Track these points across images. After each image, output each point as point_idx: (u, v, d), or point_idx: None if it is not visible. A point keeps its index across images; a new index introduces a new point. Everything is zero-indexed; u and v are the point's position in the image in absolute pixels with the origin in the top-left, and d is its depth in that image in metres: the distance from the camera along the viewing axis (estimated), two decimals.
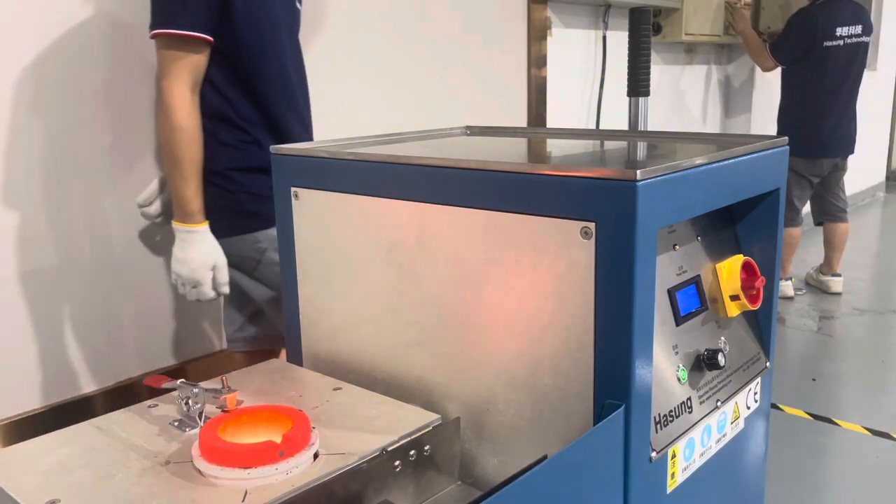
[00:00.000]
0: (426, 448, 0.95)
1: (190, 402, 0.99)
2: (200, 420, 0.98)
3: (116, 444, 0.96)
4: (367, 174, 1.14)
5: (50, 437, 0.98)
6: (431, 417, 1.01)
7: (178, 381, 1.02)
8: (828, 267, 4.01)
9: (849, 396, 2.85)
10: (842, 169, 3.87)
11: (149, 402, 1.07)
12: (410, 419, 1.01)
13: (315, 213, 1.22)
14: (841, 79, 3.70)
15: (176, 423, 1.00)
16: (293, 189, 1.24)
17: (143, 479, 0.87)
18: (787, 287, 3.90)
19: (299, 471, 0.87)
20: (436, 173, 1.06)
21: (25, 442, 0.97)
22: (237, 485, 0.85)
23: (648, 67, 1.51)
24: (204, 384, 1.01)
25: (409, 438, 0.95)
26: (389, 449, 0.93)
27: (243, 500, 0.82)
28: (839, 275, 3.99)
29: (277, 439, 0.88)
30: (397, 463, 0.91)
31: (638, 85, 1.46)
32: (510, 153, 1.34)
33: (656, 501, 1.03)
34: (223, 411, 0.97)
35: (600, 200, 0.90)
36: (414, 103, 2.59)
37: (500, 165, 1.00)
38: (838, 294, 3.95)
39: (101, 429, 1.00)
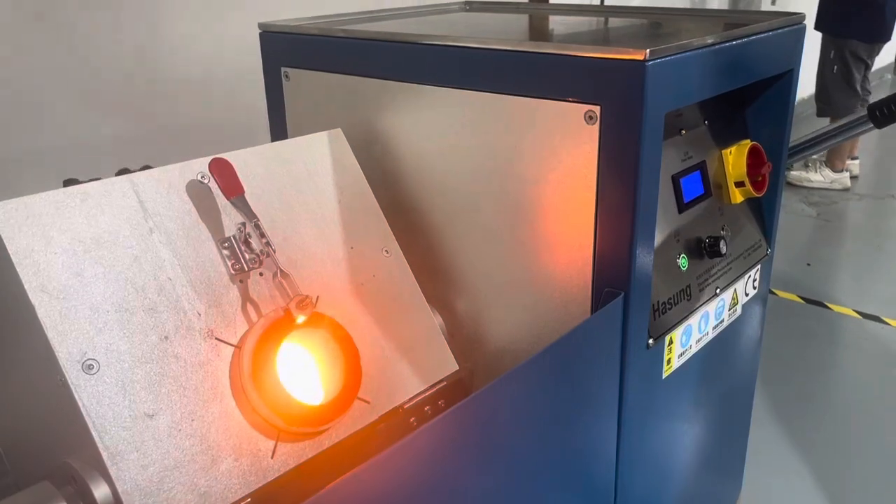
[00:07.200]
0: (440, 402, 0.98)
1: (252, 241, 0.86)
2: (250, 265, 0.87)
3: (155, 243, 0.82)
4: (361, 52, 1.09)
5: (81, 192, 0.80)
6: (450, 369, 1.01)
7: (252, 221, 0.86)
8: (840, 161, 3.88)
9: (842, 281, 2.88)
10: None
11: (201, 173, 0.89)
12: (434, 362, 1.00)
13: (307, 95, 1.17)
14: None
15: (226, 245, 0.87)
16: (283, 69, 1.18)
17: (180, 363, 0.79)
18: (844, 178, 3.81)
19: (328, 431, 0.87)
20: (431, 52, 1.01)
21: (49, 193, 0.78)
22: (271, 432, 0.82)
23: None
24: (278, 258, 0.87)
25: (424, 395, 0.97)
26: (406, 407, 0.94)
27: (272, 456, 0.81)
28: (847, 170, 3.89)
29: (322, 391, 0.84)
30: (413, 420, 0.94)
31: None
32: (511, 31, 1.29)
33: (651, 386, 1.04)
34: (284, 311, 0.84)
35: (606, 82, 0.86)
36: None
37: (499, 44, 0.95)
38: (847, 190, 3.87)
39: (140, 200, 0.83)
